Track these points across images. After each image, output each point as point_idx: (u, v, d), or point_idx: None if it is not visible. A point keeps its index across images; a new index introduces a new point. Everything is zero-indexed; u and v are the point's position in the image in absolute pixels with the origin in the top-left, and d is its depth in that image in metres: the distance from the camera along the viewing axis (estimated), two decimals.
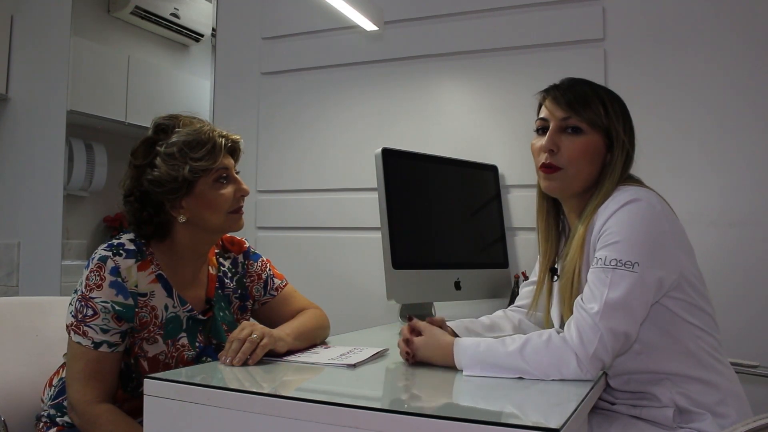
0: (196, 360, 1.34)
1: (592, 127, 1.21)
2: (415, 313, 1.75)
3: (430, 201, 1.84)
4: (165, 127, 1.34)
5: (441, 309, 1.87)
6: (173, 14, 3.21)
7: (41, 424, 1.34)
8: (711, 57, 1.87)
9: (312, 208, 2.34)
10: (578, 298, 1.12)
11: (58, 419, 1.33)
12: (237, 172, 1.39)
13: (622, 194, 1.16)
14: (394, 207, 1.66)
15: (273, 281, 1.52)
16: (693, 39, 1.89)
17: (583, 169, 1.22)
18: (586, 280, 1.14)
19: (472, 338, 1.16)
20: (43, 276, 2.68)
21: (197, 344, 1.35)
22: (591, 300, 1.09)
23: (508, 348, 1.08)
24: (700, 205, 1.84)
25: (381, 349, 1.29)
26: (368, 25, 1.90)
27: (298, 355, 1.24)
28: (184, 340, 1.33)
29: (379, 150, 1.68)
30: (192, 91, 3.24)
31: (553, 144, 1.22)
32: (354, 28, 2.09)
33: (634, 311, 1.09)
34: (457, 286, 1.80)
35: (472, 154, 2.03)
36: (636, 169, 1.33)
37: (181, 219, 1.32)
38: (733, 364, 1.24)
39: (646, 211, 1.13)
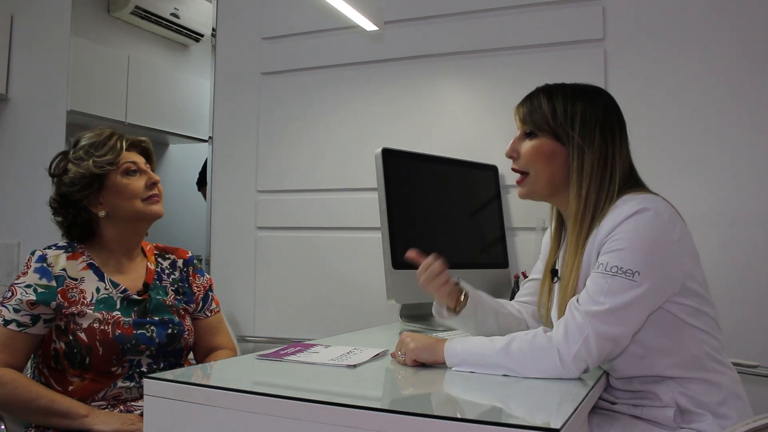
0: (136, 327, 1.45)
1: (540, 129, 1.25)
2: (415, 313, 1.75)
3: (430, 201, 1.83)
4: (76, 140, 1.53)
5: None
6: (173, 14, 3.20)
7: None
8: (711, 57, 1.87)
9: (312, 208, 2.34)
10: (573, 298, 1.13)
11: None
12: (150, 168, 1.55)
13: (629, 204, 1.15)
14: (394, 207, 1.65)
15: (211, 302, 1.66)
16: (693, 39, 1.89)
17: (543, 170, 1.25)
18: (584, 285, 1.14)
19: (462, 338, 1.18)
20: None
21: (131, 319, 1.46)
22: (586, 303, 1.09)
23: (496, 346, 1.10)
24: (700, 205, 1.84)
25: (381, 350, 1.29)
26: (368, 25, 1.90)
27: (298, 355, 1.24)
28: (118, 314, 1.44)
29: (379, 150, 1.68)
30: (192, 91, 3.24)
31: (513, 150, 1.29)
32: (354, 28, 2.08)
33: (628, 318, 1.09)
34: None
35: (472, 154, 2.03)
36: (636, 169, 1.32)
37: (102, 214, 1.47)
38: (733, 364, 1.24)
39: (653, 220, 1.12)
